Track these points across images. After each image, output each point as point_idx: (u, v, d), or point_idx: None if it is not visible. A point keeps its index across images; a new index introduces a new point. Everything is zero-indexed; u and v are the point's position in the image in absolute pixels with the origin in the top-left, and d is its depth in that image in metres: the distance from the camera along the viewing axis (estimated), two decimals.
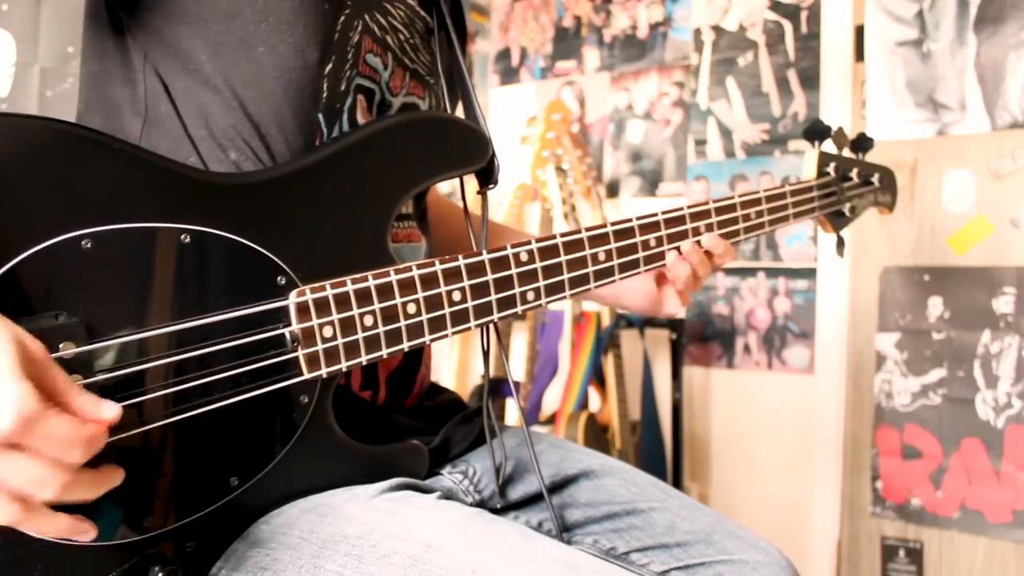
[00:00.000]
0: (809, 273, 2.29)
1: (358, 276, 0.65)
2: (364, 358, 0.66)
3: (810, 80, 2.28)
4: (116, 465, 0.53)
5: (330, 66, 0.71)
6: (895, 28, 2.12)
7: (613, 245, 0.82)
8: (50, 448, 0.47)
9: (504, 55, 2.89)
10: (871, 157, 1.17)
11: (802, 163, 1.10)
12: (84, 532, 0.51)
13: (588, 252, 0.80)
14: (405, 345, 0.68)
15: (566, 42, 2.75)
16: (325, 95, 0.71)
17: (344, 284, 0.64)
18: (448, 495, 0.74)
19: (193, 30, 0.68)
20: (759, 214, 0.97)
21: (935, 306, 2.08)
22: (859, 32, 2.19)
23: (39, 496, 0.47)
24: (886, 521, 2.13)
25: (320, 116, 0.71)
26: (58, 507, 0.50)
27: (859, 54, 2.20)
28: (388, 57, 0.77)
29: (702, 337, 2.47)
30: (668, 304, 0.95)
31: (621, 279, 0.84)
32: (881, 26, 2.14)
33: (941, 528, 2.05)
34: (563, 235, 0.78)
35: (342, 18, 0.72)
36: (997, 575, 1.98)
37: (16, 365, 0.45)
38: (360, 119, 0.74)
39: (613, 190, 2.63)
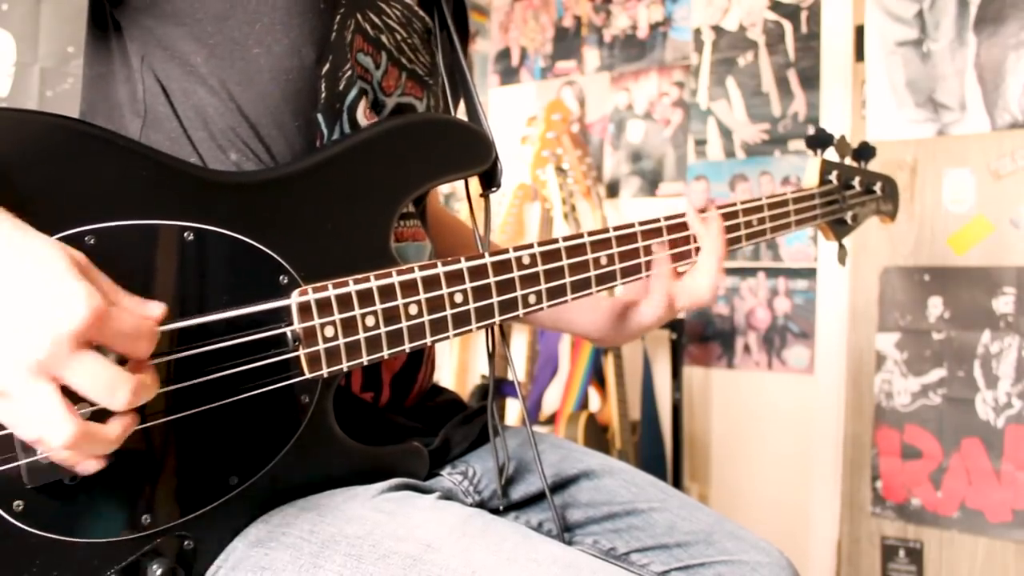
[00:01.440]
0: (809, 273, 2.29)
1: (360, 276, 0.65)
2: (365, 359, 0.66)
3: (810, 80, 2.28)
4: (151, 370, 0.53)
5: (327, 66, 0.71)
6: (895, 28, 2.12)
7: (615, 250, 0.82)
8: (122, 342, 0.48)
9: (504, 55, 2.89)
10: (872, 164, 1.17)
11: (802, 163, 1.10)
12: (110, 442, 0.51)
13: (590, 256, 0.80)
14: (407, 346, 0.68)
15: (566, 42, 2.75)
16: (323, 95, 0.71)
17: (346, 284, 0.64)
18: (448, 496, 0.73)
19: (188, 31, 0.67)
20: (761, 221, 0.97)
21: (935, 306, 2.08)
22: (859, 32, 2.19)
23: (114, 403, 0.48)
24: (886, 521, 2.13)
25: (319, 116, 0.71)
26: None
27: (859, 54, 2.20)
28: (381, 56, 0.77)
29: (702, 337, 2.47)
30: (644, 313, 0.92)
31: (623, 283, 0.84)
32: (881, 26, 2.14)
33: (941, 528, 2.05)
34: (565, 239, 0.78)
35: (338, 17, 0.72)
36: (997, 575, 1.98)
37: (74, 266, 0.47)
38: (361, 118, 0.74)
39: (613, 190, 2.63)
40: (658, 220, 0.87)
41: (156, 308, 0.53)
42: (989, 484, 2.00)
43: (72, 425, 0.46)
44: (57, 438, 0.46)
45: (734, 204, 0.94)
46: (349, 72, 0.73)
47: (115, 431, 0.50)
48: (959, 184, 2.05)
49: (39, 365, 0.45)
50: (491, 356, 0.82)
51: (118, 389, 0.48)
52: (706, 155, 2.46)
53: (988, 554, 1.99)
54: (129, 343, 0.49)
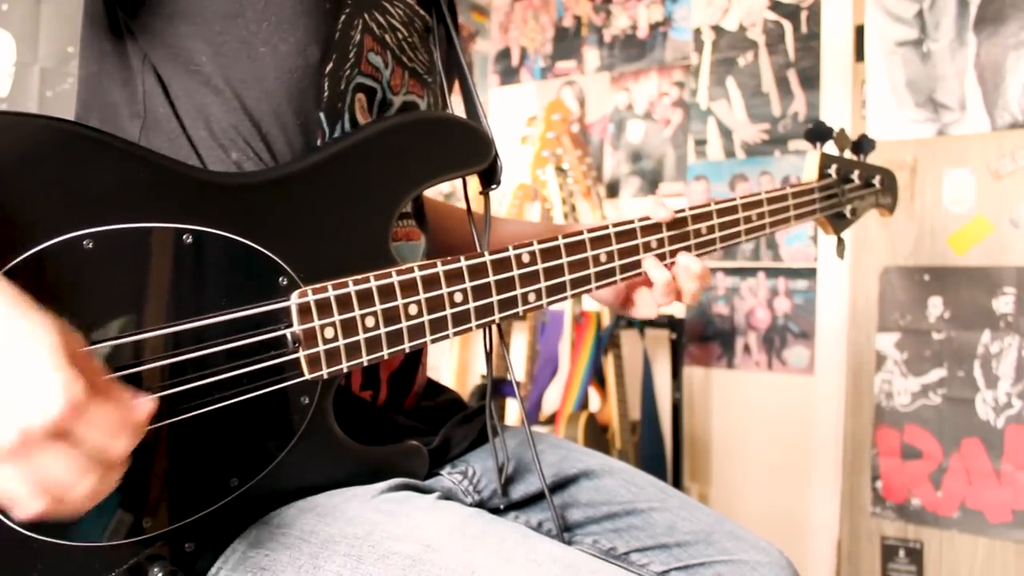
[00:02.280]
0: (809, 273, 2.29)
1: (360, 277, 0.65)
2: (365, 359, 0.66)
3: (810, 80, 2.28)
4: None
5: (331, 65, 0.71)
6: (895, 28, 2.12)
7: (615, 247, 0.82)
8: (97, 436, 0.46)
9: (504, 55, 2.89)
10: (872, 158, 1.17)
11: (802, 163, 1.10)
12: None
13: (590, 254, 0.80)
14: (406, 346, 0.68)
15: (566, 42, 2.75)
16: (326, 95, 0.71)
17: (346, 285, 0.64)
18: (448, 495, 0.74)
19: (195, 30, 0.67)
20: (760, 216, 0.97)
21: (935, 306, 2.08)
22: (859, 32, 2.19)
23: (78, 488, 0.46)
24: (886, 521, 2.13)
25: (321, 115, 0.71)
26: None
27: (859, 54, 2.20)
28: (388, 56, 0.77)
29: (702, 337, 2.47)
30: (641, 307, 0.90)
31: (622, 280, 0.84)
32: (881, 26, 2.14)
33: (941, 528, 2.05)
34: (565, 236, 0.78)
35: (343, 17, 0.72)
36: (997, 575, 1.98)
37: (62, 353, 0.45)
38: (360, 118, 0.74)
39: (613, 190, 2.63)
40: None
41: (147, 404, 0.49)
42: (989, 484, 1.99)
43: (34, 506, 0.46)
44: (19, 514, 0.46)
45: (733, 199, 0.94)
46: (350, 72, 0.73)
47: (82, 505, 0.48)
48: (959, 184, 2.05)
49: (4, 452, 0.44)
50: (489, 355, 0.81)
51: (79, 484, 0.46)
52: (706, 155, 2.46)
53: (988, 554, 1.99)
54: (104, 441, 0.47)
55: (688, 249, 0.89)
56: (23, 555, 0.52)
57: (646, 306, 0.90)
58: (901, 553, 2.11)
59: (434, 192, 0.90)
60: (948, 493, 2.05)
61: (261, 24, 0.67)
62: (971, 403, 2.02)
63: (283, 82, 0.69)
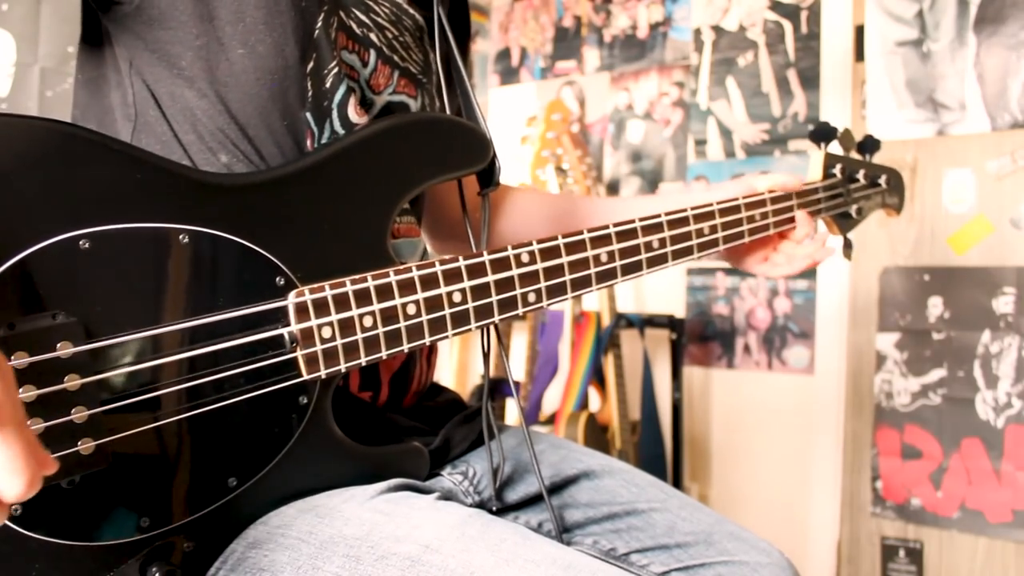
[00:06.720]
0: (809, 273, 2.29)
1: (357, 277, 0.65)
2: (363, 359, 0.65)
3: (810, 80, 2.28)
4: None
5: (312, 64, 0.70)
6: (895, 28, 2.12)
7: (616, 246, 0.82)
8: None
9: (504, 55, 2.89)
10: (873, 158, 1.17)
11: (802, 163, 1.10)
12: None
13: (590, 253, 0.80)
14: (405, 346, 0.68)
15: (566, 42, 2.75)
16: (311, 94, 0.71)
17: (343, 284, 0.64)
18: (448, 496, 0.73)
19: (173, 34, 0.67)
20: (764, 215, 0.96)
21: (935, 306, 2.08)
22: (859, 32, 2.19)
23: None
24: (886, 521, 2.13)
25: (308, 116, 0.71)
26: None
27: (859, 54, 2.20)
28: (369, 54, 0.77)
29: (702, 337, 2.47)
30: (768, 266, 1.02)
31: (623, 281, 0.83)
32: (881, 26, 2.14)
33: (941, 528, 2.05)
34: (565, 236, 0.78)
35: (321, 15, 0.72)
36: (997, 575, 1.98)
37: None
38: (353, 116, 0.74)
39: (613, 190, 2.63)
40: (659, 216, 0.86)
41: (51, 464, 0.45)
42: (989, 484, 1.99)
43: None
44: None
45: (736, 199, 0.93)
46: (336, 70, 0.72)
47: None
48: (959, 184, 2.05)
49: None
50: (486, 356, 0.81)
51: None
52: (706, 155, 2.46)
53: (988, 554, 1.99)
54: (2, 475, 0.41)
55: (690, 250, 0.89)
56: (21, 555, 0.52)
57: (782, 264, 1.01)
58: (901, 553, 2.10)
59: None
60: (948, 493, 2.04)
61: (236, 26, 0.67)
62: (971, 403, 2.02)
63: (264, 84, 0.68)
